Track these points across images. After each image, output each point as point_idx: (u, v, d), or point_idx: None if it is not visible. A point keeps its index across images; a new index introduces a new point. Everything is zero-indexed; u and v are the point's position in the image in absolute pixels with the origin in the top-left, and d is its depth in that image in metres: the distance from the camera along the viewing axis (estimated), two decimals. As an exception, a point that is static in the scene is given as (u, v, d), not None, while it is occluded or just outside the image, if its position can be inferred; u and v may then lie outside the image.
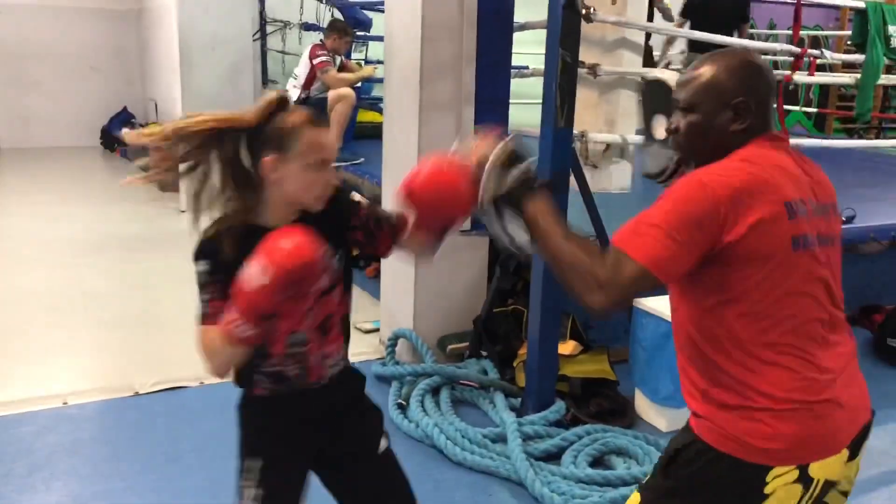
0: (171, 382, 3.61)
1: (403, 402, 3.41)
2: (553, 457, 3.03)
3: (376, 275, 5.36)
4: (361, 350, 4.05)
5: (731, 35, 4.75)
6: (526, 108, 4.11)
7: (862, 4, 4.39)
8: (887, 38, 4.29)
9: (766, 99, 1.52)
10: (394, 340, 3.82)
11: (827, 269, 1.47)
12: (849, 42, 7.64)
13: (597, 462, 3.01)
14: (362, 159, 6.21)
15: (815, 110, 9.65)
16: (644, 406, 3.43)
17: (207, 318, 1.51)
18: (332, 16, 6.87)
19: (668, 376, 3.26)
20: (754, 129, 1.50)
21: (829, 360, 1.44)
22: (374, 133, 7.61)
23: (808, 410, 1.40)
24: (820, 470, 1.41)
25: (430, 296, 3.79)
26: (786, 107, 6.99)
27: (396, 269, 3.93)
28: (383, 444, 1.82)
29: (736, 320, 1.40)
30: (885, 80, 4.49)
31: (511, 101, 3.85)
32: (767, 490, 1.39)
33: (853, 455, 1.47)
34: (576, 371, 3.49)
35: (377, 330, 4.28)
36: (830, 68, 6.04)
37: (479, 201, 1.56)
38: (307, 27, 6.81)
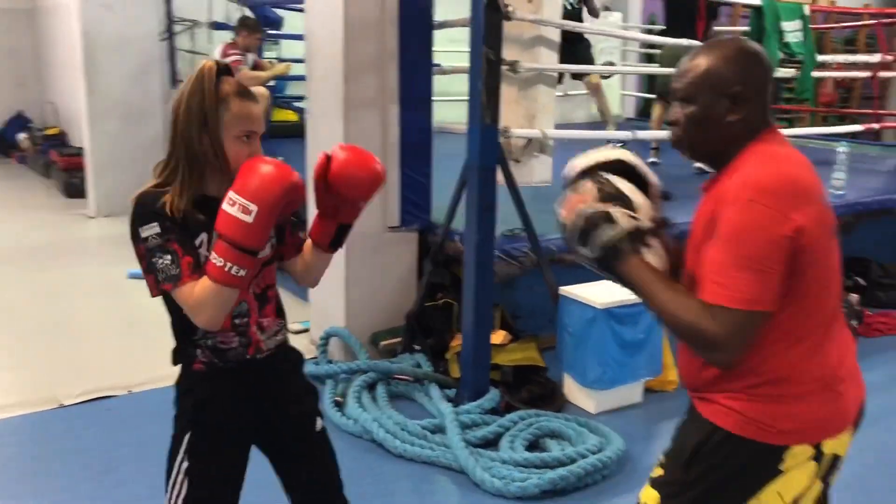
0: (98, 392, 3.53)
1: (340, 399, 3.44)
2: (490, 443, 3.12)
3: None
4: (292, 350, 4.05)
5: (709, 27, 4.92)
6: (440, 104, 4.17)
7: (758, 2, 4.66)
8: (781, 34, 4.58)
9: (763, 88, 1.51)
10: (326, 339, 3.84)
11: (838, 256, 1.53)
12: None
13: (532, 445, 3.11)
14: (281, 158, 6.16)
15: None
16: (573, 389, 3.56)
17: (184, 275, 1.52)
18: (243, 14, 6.77)
19: (594, 360, 3.41)
20: (753, 119, 1.49)
21: (839, 342, 1.51)
22: (288, 132, 7.57)
23: (826, 391, 1.47)
24: (832, 446, 1.49)
25: (361, 293, 3.82)
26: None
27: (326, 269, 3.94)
28: (319, 423, 1.84)
29: (784, 314, 1.42)
30: (780, 73, 4.77)
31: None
32: (783, 467, 1.46)
33: (854, 429, 1.55)
34: (507, 360, 3.59)
35: (307, 330, 4.27)
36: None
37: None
38: (217, 26, 6.69)
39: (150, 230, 1.54)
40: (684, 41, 4.48)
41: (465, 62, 4.95)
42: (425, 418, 3.27)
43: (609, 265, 1.51)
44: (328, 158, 1.63)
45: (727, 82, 1.47)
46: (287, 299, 4.84)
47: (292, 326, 4.32)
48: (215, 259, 1.48)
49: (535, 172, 3.72)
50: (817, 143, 6.59)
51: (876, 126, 5.77)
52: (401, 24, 3.61)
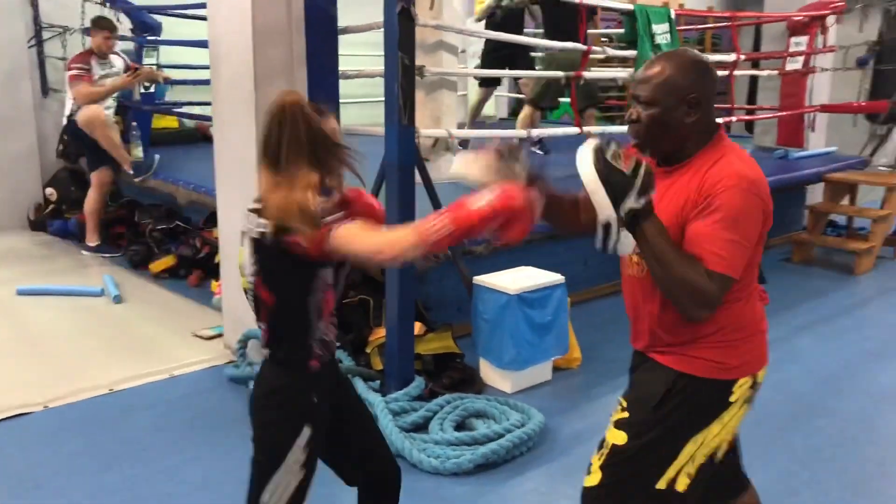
0: (13, 410, 3.43)
1: (268, 398, 3.49)
2: (421, 427, 3.28)
3: (199, 283, 5.33)
4: (206, 357, 4.07)
5: (587, 25, 5.19)
6: (345, 107, 4.29)
7: (631, 7, 5.06)
8: (652, 36, 5.00)
9: (713, 94, 1.79)
10: (244, 342, 3.87)
11: None
12: (604, 39, 8.59)
13: (460, 426, 3.30)
14: (157, 156, 6.07)
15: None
16: (489, 372, 3.78)
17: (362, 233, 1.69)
18: (118, 21, 6.58)
19: (509, 343, 3.64)
20: (704, 121, 1.76)
21: (757, 298, 1.87)
22: (170, 139, 7.43)
23: (757, 334, 1.84)
24: (761, 375, 1.85)
25: (278, 294, 3.88)
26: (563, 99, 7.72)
27: (238, 273, 3.97)
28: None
29: (741, 280, 1.73)
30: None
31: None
32: (732, 398, 1.80)
33: None
34: (426, 349, 3.77)
35: (220, 335, 4.28)
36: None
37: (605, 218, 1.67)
38: (89, 31, 6.45)
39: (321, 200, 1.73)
40: (568, 45, 4.80)
41: (364, 65, 5.11)
42: (354, 410, 3.40)
43: (646, 212, 1.66)
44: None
45: (685, 89, 1.73)
46: (188, 306, 4.93)
47: (203, 332, 4.35)
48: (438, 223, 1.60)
49: (441, 170, 3.90)
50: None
51: (732, 119, 6.35)
52: (307, 30, 3.70)
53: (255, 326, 3.82)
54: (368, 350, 3.82)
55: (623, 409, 1.87)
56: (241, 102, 3.73)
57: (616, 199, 1.61)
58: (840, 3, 6.71)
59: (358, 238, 1.69)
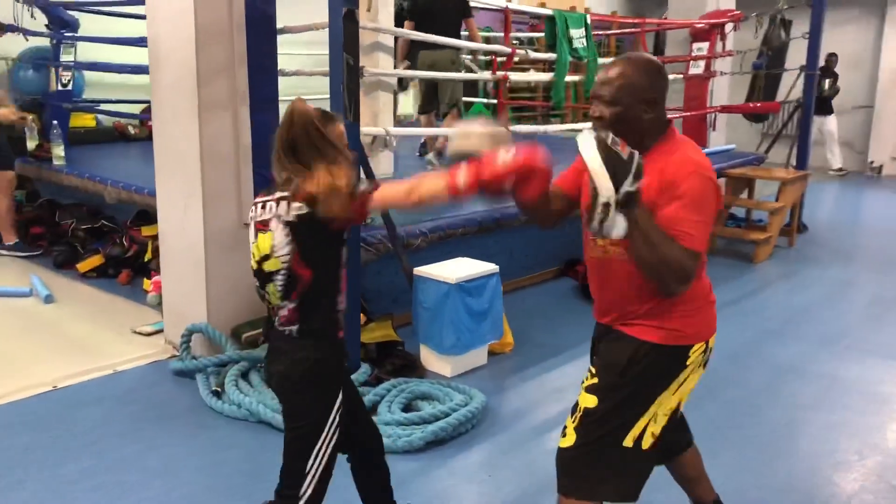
0: (-44, 409, 3.40)
1: (218, 389, 3.59)
2: (370, 411, 3.44)
3: (129, 281, 5.32)
4: (148, 353, 4.11)
5: (459, 30, 5.37)
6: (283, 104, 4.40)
7: (550, 12, 5.35)
8: (570, 40, 5.30)
9: (664, 94, 2.02)
10: (188, 336, 3.93)
11: None
12: (515, 42, 8.90)
13: (407, 408, 3.48)
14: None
15: (494, 101, 10.88)
16: (430, 358, 3.97)
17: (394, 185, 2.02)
18: (33, 16, 6.44)
19: (450, 329, 3.85)
20: (661, 117, 1.98)
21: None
22: (87, 138, 7.30)
23: (708, 305, 2.07)
24: (712, 341, 2.08)
25: (221, 289, 3.96)
26: (469, 98, 7.99)
27: (182, 268, 4.04)
28: (359, 371, 2.37)
29: None
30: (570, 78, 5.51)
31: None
32: (688, 362, 2.02)
33: None
34: (369, 338, 3.93)
35: (160, 331, 4.32)
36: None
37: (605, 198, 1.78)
38: (10, 28, 6.29)
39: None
40: (491, 46, 5.03)
41: (300, 65, 5.21)
42: (303, 397, 3.53)
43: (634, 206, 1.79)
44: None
45: (643, 90, 1.96)
46: (125, 304, 4.99)
47: (143, 329, 4.38)
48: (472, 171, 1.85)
49: (380, 165, 4.06)
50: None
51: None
52: (248, 30, 3.80)
53: (197, 321, 3.92)
54: (312, 340, 3.95)
55: (593, 376, 2.08)
56: (182, 101, 3.80)
57: (617, 181, 1.73)
58: (737, 12, 7.23)
59: (392, 190, 1.98)
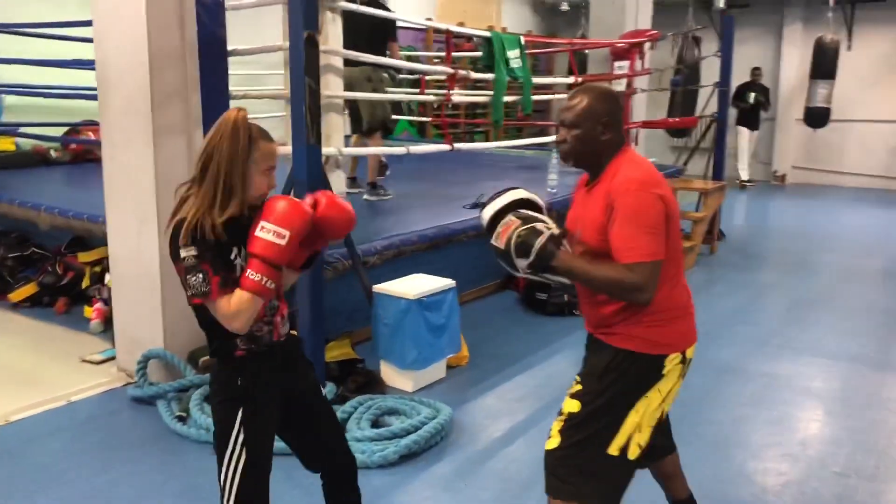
0: None
1: (183, 415, 3.55)
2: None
3: (67, 309, 5.18)
4: (100, 381, 4.02)
5: (384, 51, 5.44)
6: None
7: (487, 34, 5.52)
8: (507, 61, 5.48)
9: (620, 117, 2.20)
10: (144, 362, 3.87)
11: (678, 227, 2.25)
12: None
13: (375, 423, 3.53)
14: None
15: (418, 119, 11.03)
16: (391, 374, 4.03)
17: (214, 291, 1.86)
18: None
19: (411, 344, 3.92)
20: (617, 138, 2.17)
21: (683, 282, 2.23)
22: (6, 163, 7.05)
23: (685, 316, 2.19)
24: (689, 352, 2.19)
25: (177, 313, 3.91)
26: (395, 116, 8.11)
27: (135, 294, 3.98)
28: (325, 390, 2.23)
29: (663, 264, 2.06)
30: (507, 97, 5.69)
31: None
32: (664, 371, 2.14)
33: None
34: (329, 357, 3.96)
35: (111, 359, 4.24)
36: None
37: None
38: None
39: (188, 252, 1.85)
40: (439, 68, 5.13)
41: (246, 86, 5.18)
42: (270, 418, 3.54)
43: (545, 264, 2.07)
44: (314, 204, 2.01)
45: (601, 114, 2.14)
46: (67, 333, 4.92)
47: (93, 357, 4.29)
48: (252, 275, 1.85)
49: (334, 185, 4.12)
50: (534, 151, 7.82)
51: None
52: (201, 53, 3.80)
53: (153, 347, 3.87)
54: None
55: (577, 383, 2.22)
56: (135, 125, 3.76)
57: (512, 267, 2.11)
58: (655, 32, 7.61)
59: (213, 311, 1.91)
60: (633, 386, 2.16)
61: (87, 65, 6.79)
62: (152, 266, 3.85)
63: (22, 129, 6.97)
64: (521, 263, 2.09)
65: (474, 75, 5.56)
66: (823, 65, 10.89)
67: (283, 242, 1.85)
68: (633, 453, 2.15)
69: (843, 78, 11.06)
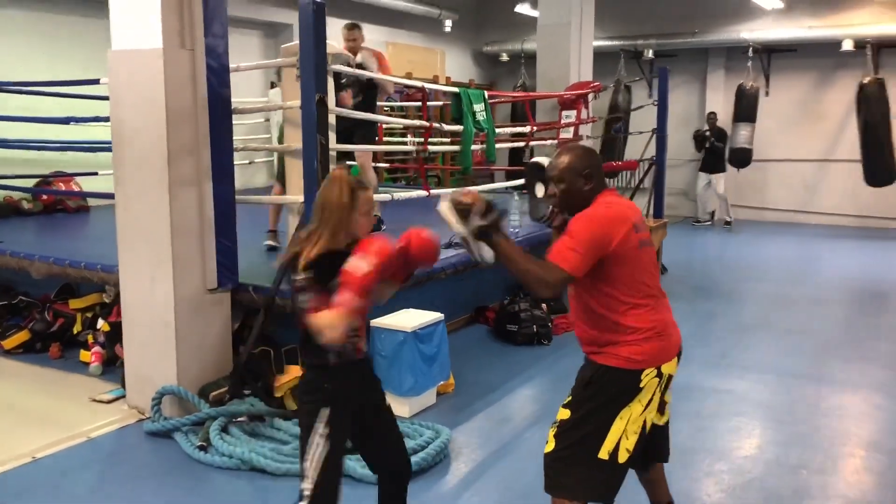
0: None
1: (204, 444, 3.83)
2: (350, 451, 3.80)
3: (61, 355, 5.37)
4: (114, 418, 4.26)
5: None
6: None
7: (456, 90, 6.02)
8: (474, 114, 5.97)
9: (599, 168, 2.58)
10: (159, 398, 4.14)
11: (654, 253, 2.65)
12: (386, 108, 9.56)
13: (383, 446, 3.88)
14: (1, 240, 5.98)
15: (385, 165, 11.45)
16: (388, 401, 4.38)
17: (311, 309, 2.33)
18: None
19: (407, 373, 4.30)
20: (597, 186, 2.56)
21: (662, 308, 2.58)
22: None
23: (659, 336, 2.50)
24: (666, 368, 2.52)
25: (189, 351, 4.21)
26: (350, 162, 8.52)
27: (147, 335, 4.25)
28: (387, 403, 2.73)
29: (618, 292, 2.48)
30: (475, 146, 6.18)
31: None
32: (642, 385, 2.47)
33: (678, 360, 2.65)
34: (331, 387, 4.29)
35: (120, 398, 4.47)
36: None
37: (460, 234, 2.44)
38: None
39: (307, 275, 2.37)
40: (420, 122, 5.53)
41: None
42: (284, 446, 3.85)
43: (490, 233, 2.42)
44: (408, 240, 2.52)
45: (580, 168, 2.56)
46: (69, 376, 5.17)
47: (102, 396, 4.52)
48: (342, 298, 2.27)
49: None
50: (495, 195, 8.34)
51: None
52: (210, 111, 4.16)
53: (166, 383, 4.13)
54: (279, 394, 4.28)
55: (569, 395, 2.62)
56: (150, 177, 4.08)
57: (466, 221, 2.42)
58: (597, 84, 8.27)
59: (310, 325, 2.37)
60: (615, 395, 2.51)
61: (59, 120, 7.05)
62: (167, 308, 4.14)
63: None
64: (476, 221, 2.41)
65: (447, 127, 6.04)
66: (745, 109, 11.81)
67: (365, 269, 2.29)
68: (622, 457, 2.51)
69: (762, 121, 12.00)
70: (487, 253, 2.43)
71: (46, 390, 4.72)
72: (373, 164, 11.06)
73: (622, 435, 2.51)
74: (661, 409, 2.69)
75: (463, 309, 6.29)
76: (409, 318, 4.44)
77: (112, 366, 5.01)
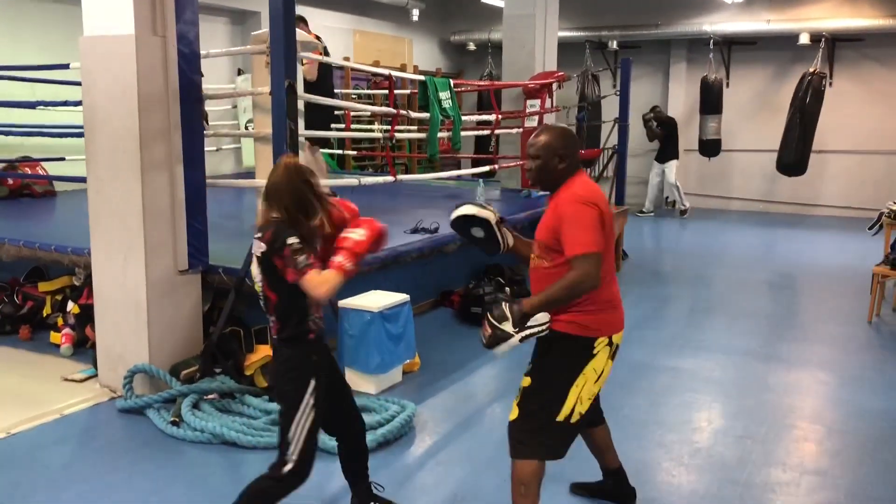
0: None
1: (176, 419, 3.95)
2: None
3: (31, 337, 5.43)
4: (86, 397, 4.36)
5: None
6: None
7: (422, 78, 6.16)
8: (439, 101, 6.12)
9: (575, 149, 2.78)
10: (131, 377, 4.24)
11: (612, 236, 2.83)
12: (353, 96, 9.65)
13: (350, 420, 4.04)
14: None
15: (338, 152, 11.52)
16: (355, 378, 4.50)
17: (310, 267, 2.53)
18: None
19: (375, 352, 4.45)
20: (571, 167, 2.75)
21: (614, 283, 2.81)
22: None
23: (611, 308, 2.74)
24: (616, 338, 2.76)
25: (160, 331, 4.32)
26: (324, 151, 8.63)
27: (119, 315, 4.34)
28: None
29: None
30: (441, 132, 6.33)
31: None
32: (595, 351, 2.70)
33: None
34: (300, 366, 4.44)
35: (92, 377, 4.57)
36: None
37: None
38: None
39: (293, 239, 2.54)
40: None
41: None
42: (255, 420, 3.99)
43: (523, 324, 2.63)
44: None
45: (557, 148, 2.75)
46: (40, 357, 5.28)
47: (74, 376, 4.62)
48: (339, 259, 2.55)
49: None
50: (459, 182, 8.51)
51: (495, 167, 7.72)
52: (182, 97, 4.26)
53: (138, 362, 4.23)
54: (249, 372, 4.41)
55: (530, 363, 2.83)
56: (123, 162, 4.17)
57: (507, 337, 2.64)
58: (562, 74, 8.46)
59: (306, 281, 2.56)
60: (570, 360, 2.72)
61: (27, 104, 7.05)
62: (138, 289, 4.24)
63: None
64: (515, 334, 2.65)
65: (414, 115, 6.18)
66: (711, 101, 12.10)
67: (363, 238, 2.58)
68: (575, 419, 2.74)
69: (725, 112, 12.31)
70: (540, 324, 2.66)
71: (18, 370, 4.80)
72: (341, 151, 11.28)
73: (577, 400, 2.72)
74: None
75: (428, 293, 6.44)
76: (375, 299, 4.60)
77: (82, 347, 5.09)
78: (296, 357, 2.69)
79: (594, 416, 3.11)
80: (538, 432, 2.74)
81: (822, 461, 3.75)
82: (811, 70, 11.01)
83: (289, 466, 2.62)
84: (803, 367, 5.19)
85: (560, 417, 2.72)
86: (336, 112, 7.78)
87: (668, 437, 3.98)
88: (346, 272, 2.55)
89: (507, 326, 2.62)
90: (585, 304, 2.68)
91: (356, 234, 2.59)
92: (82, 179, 4.54)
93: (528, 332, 2.63)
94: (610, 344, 2.75)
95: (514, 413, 2.79)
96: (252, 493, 2.68)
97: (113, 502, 3.25)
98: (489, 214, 2.91)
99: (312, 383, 2.65)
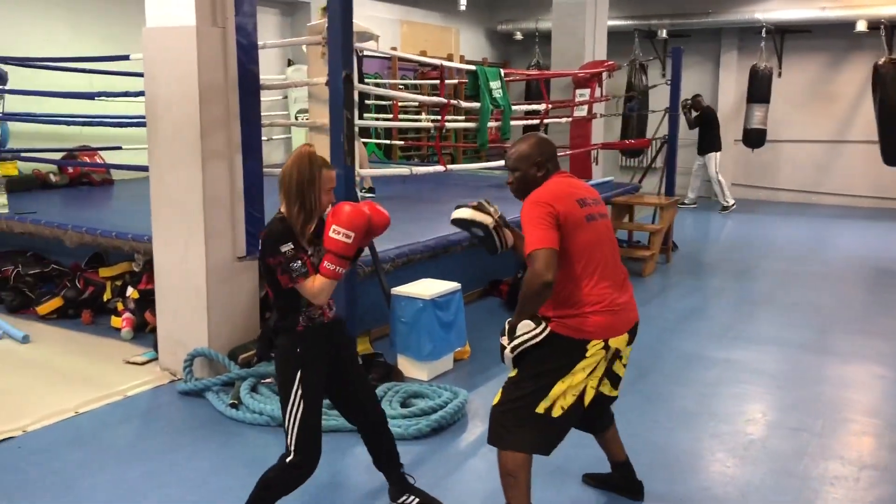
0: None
1: (235, 402, 4.06)
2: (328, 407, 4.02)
3: (93, 321, 5.61)
4: (147, 379, 4.49)
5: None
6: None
7: (473, 67, 6.18)
8: (490, 91, 6.13)
9: (552, 156, 2.79)
10: (191, 360, 4.37)
11: (608, 232, 2.83)
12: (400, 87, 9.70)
13: (403, 405, 4.10)
14: (35, 211, 6.21)
15: (385, 142, 11.63)
16: (407, 365, 4.60)
17: (306, 275, 2.58)
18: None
19: (426, 339, 4.51)
20: (549, 172, 2.77)
21: (618, 287, 2.72)
22: (11, 187, 7.39)
23: (606, 311, 2.65)
24: (613, 343, 2.67)
25: (219, 316, 4.43)
26: (365, 140, 8.71)
27: (180, 301, 4.47)
28: (359, 360, 2.97)
29: (569, 264, 2.63)
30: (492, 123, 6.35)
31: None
32: (588, 354, 2.63)
33: (630, 341, 2.81)
34: (354, 352, 4.52)
35: (153, 360, 4.71)
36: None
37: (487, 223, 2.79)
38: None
39: (287, 247, 2.53)
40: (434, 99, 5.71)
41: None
42: (311, 403, 4.08)
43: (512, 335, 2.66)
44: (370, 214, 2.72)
45: (533, 157, 2.77)
46: (102, 340, 5.43)
47: (136, 359, 4.76)
48: (329, 265, 2.56)
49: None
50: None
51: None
52: (240, 88, 4.35)
53: (198, 346, 4.34)
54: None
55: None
56: (185, 150, 4.28)
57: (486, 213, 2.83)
58: (612, 63, 8.40)
59: (300, 289, 2.62)
60: (558, 358, 2.67)
61: (87, 96, 7.25)
62: (199, 275, 4.35)
63: (24, 154, 7.34)
64: (507, 345, 2.70)
65: (465, 104, 6.21)
66: (759, 90, 11.89)
67: (350, 241, 2.57)
68: (556, 412, 2.66)
69: (774, 102, 12.09)
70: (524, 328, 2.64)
71: (82, 353, 4.96)
72: (388, 141, 11.38)
73: (560, 395, 2.68)
74: (615, 383, 2.91)
75: (477, 282, 6.49)
76: (427, 287, 4.65)
77: (142, 331, 5.25)
78: (283, 348, 2.73)
79: (601, 423, 3.10)
80: (518, 422, 2.71)
81: (881, 456, 3.70)
82: (882, 59, 10.63)
83: (290, 457, 2.70)
84: (859, 361, 5.11)
85: (540, 409, 2.67)
86: (366, 101, 7.83)
87: (722, 428, 3.97)
88: (338, 277, 2.60)
89: (504, 340, 2.68)
90: (579, 305, 2.66)
91: (339, 235, 2.56)
92: (139, 168, 4.66)
93: (517, 341, 2.64)
94: (606, 348, 2.69)
95: (496, 397, 2.81)
96: (262, 484, 2.78)
97: (177, 479, 3.36)
98: (485, 218, 2.88)
99: (299, 374, 2.68)
